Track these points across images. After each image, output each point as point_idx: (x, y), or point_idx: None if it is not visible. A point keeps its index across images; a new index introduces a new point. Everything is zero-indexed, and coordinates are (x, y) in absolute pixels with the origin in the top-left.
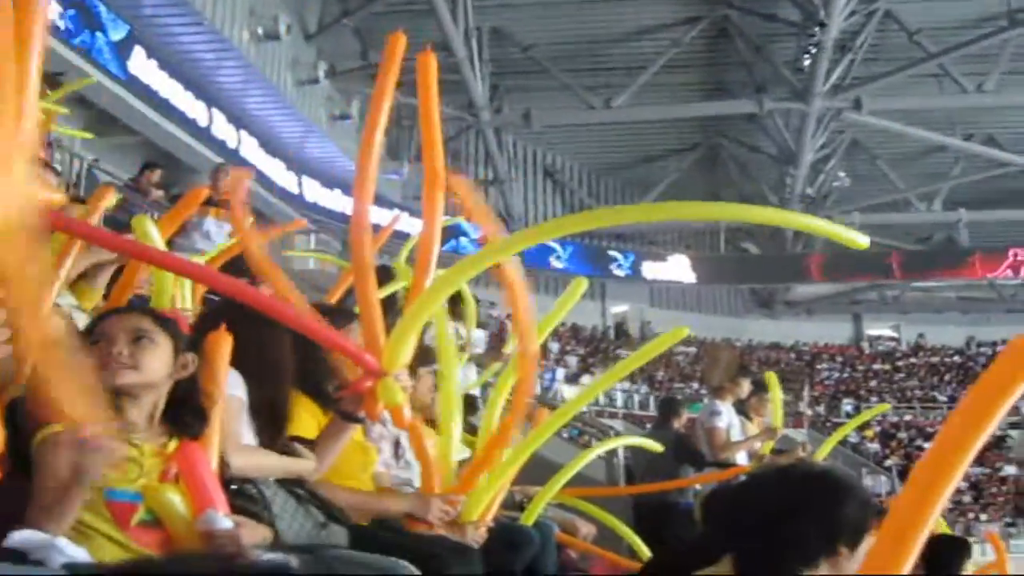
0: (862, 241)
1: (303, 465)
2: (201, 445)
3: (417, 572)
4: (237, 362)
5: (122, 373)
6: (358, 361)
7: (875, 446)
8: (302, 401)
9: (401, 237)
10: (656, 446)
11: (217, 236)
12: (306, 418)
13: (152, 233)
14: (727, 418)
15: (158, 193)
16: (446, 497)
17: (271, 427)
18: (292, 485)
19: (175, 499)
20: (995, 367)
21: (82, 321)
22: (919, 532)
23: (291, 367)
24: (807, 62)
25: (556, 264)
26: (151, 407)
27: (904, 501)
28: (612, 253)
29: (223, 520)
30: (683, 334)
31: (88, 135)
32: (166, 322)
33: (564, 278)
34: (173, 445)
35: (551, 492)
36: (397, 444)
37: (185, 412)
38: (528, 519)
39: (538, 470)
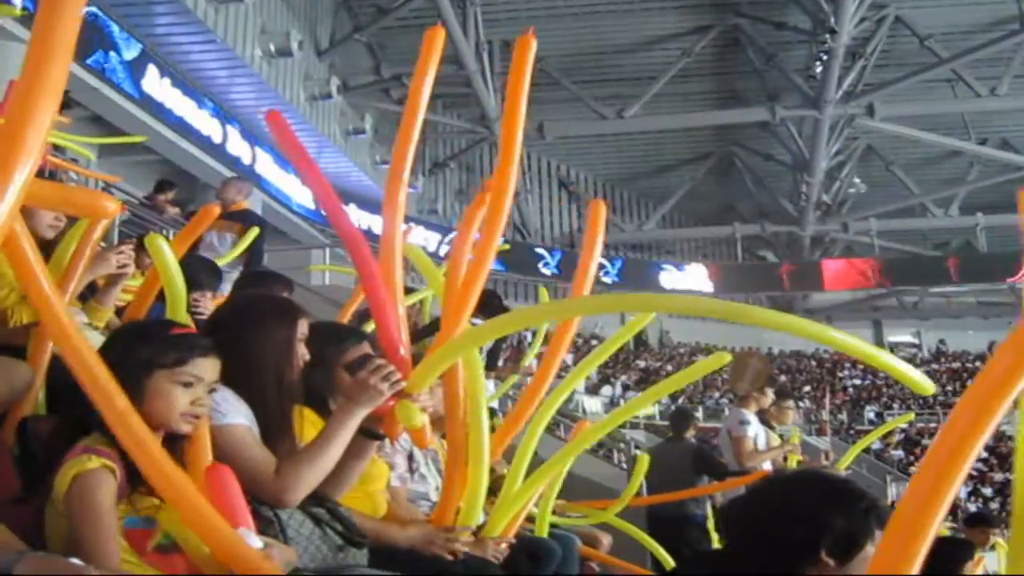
0: (928, 387)
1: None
2: (226, 467)
3: None
4: (236, 380)
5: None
6: None
7: (899, 453)
8: (309, 417)
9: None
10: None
11: (221, 248)
12: (312, 434)
13: (165, 252)
14: (755, 427)
15: (173, 210)
16: (450, 531)
17: (279, 445)
18: (311, 505)
19: None
20: (991, 365)
21: (95, 340)
22: (926, 532)
23: (295, 380)
24: (819, 69)
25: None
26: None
27: (909, 502)
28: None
29: (255, 540)
30: (725, 360)
31: (139, 138)
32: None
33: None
34: None
35: (552, 496)
36: (411, 458)
37: (182, 438)
38: (540, 529)
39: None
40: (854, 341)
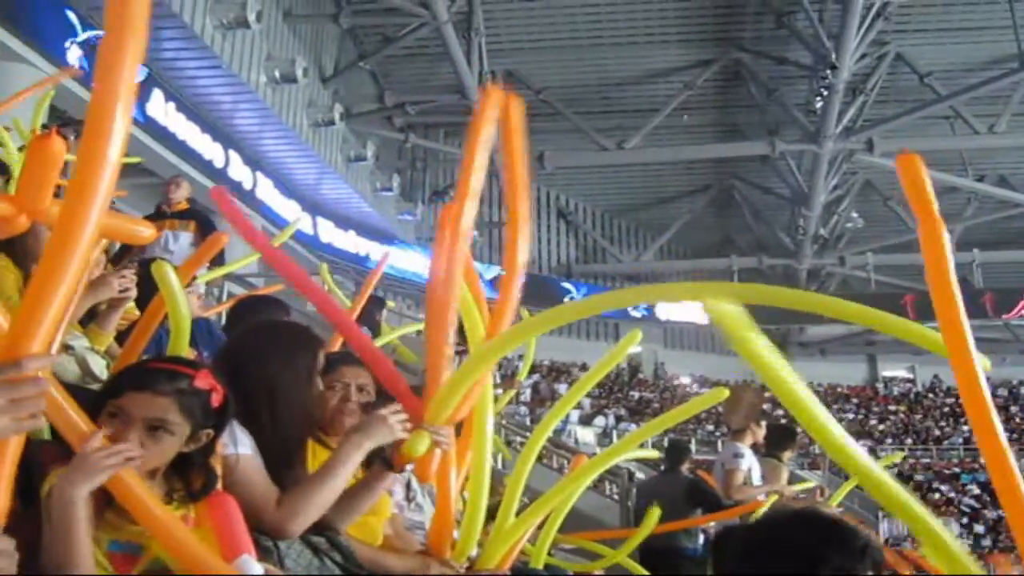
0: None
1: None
2: (228, 496)
3: None
4: (255, 407)
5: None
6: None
7: None
8: (314, 449)
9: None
10: (652, 453)
11: (174, 246)
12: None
13: (171, 279)
14: (748, 460)
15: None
16: (446, 562)
17: (294, 474)
18: (310, 534)
19: None
20: None
21: (96, 363)
22: None
23: (309, 410)
24: (819, 104)
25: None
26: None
27: None
28: None
29: (256, 567)
30: (723, 395)
31: (135, 159)
32: (193, 404)
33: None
34: (175, 506)
35: (553, 530)
36: (408, 486)
37: (191, 472)
38: (536, 562)
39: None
40: (871, 310)
